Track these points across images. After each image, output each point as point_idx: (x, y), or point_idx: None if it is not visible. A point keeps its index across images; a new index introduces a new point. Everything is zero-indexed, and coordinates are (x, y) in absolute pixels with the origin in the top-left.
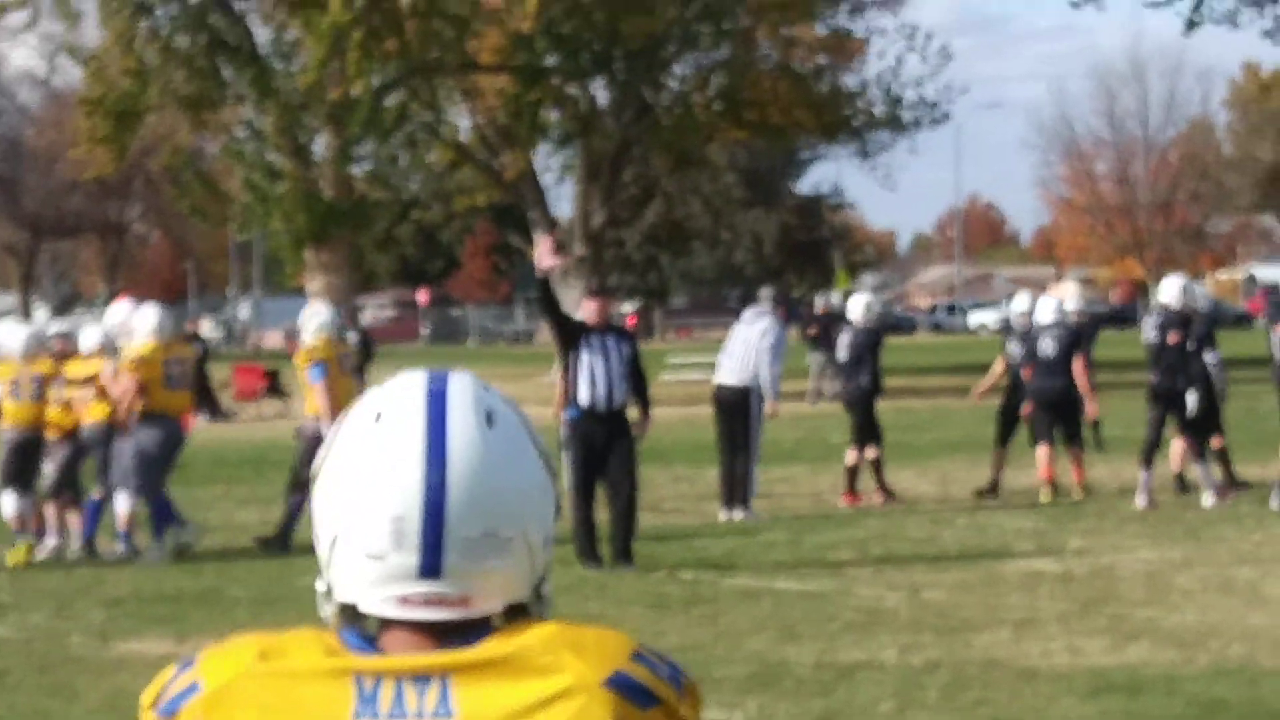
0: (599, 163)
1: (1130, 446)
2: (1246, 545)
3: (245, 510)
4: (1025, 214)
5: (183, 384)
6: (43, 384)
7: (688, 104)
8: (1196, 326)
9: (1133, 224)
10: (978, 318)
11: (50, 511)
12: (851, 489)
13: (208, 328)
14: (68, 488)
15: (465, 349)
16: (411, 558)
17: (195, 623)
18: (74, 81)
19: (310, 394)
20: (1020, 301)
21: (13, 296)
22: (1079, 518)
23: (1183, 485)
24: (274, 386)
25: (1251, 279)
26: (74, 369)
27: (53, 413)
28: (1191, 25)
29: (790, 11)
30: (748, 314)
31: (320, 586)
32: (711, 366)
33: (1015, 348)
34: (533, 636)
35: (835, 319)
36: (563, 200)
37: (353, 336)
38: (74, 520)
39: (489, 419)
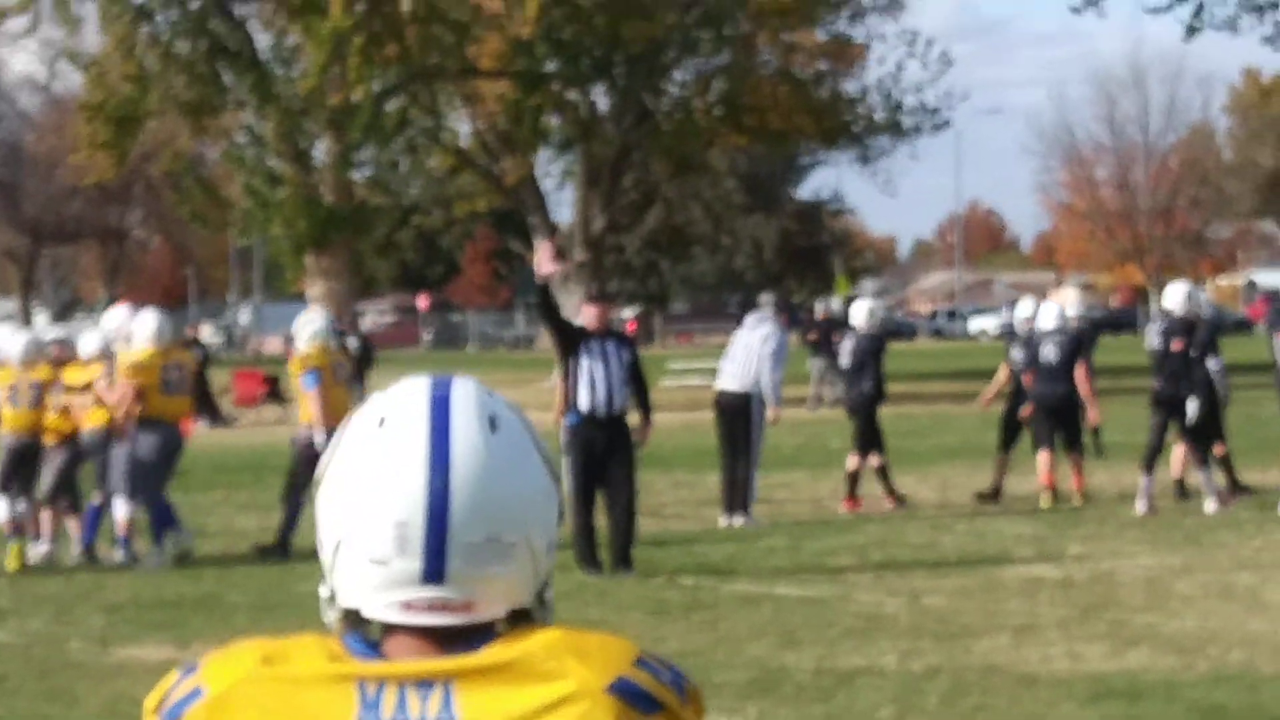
0: (599, 168)
1: (1130, 452)
2: (1246, 551)
3: (245, 516)
4: (1026, 219)
5: (181, 389)
6: (41, 390)
7: (688, 109)
8: (1200, 333)
9: (1133, 229)
10: (978, 323)
11: (45, 517)
12: (852, 494)
13: (208, 333)
14: (65, 493)
15: (465, 354)
16: (415, 563)
17: (195, 628)
18: (74, 87)
19: (303, 402)
20: (1024, 307)
21: (13, 302)
22: (1079, 523)
23: (1183, 491)
24: (274, 392)
25: (1251, 284)
26: (72, 375)
27: (51, 418)
28: (1192, 31)
29: (791, 17)
30: (750, 320)
31: (323, 592)
32: (712, 372)
33: (1019, 353)
34: (536, 642)
35: (835, 325)
36: (563, 205)
37: (353, 342)
38: (72, 526)
39: (492, 424)
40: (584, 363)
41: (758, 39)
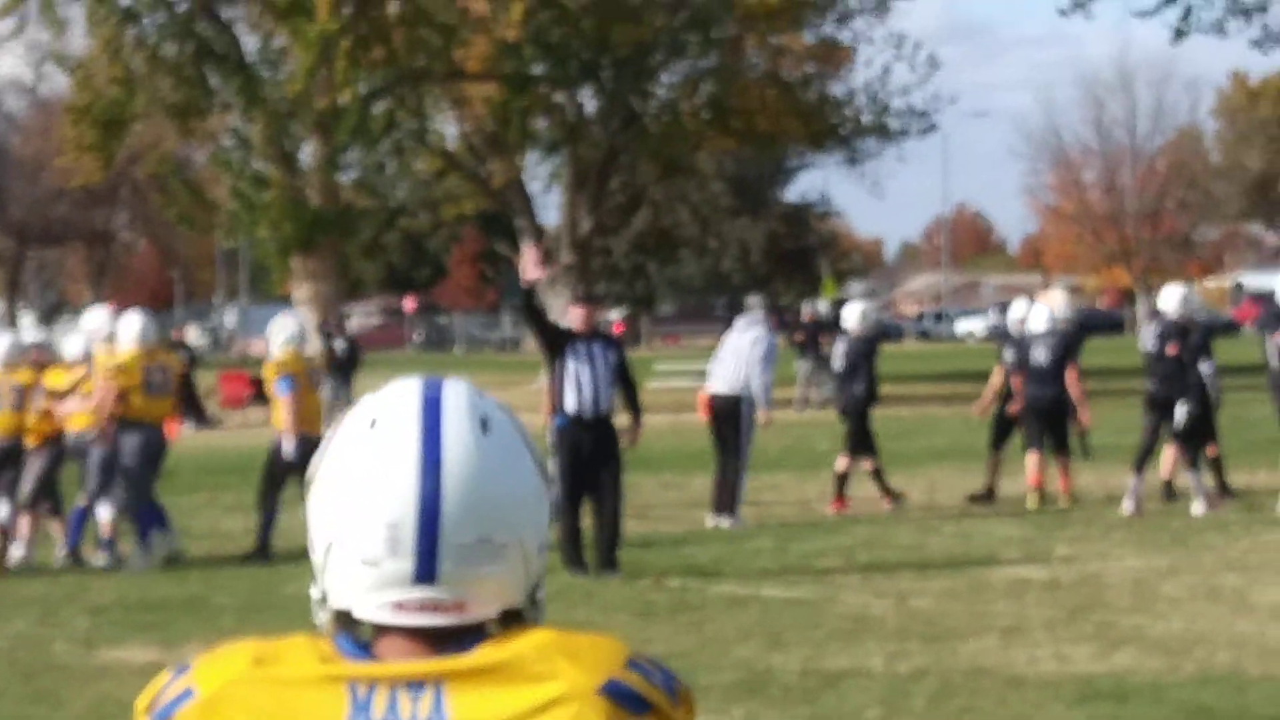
0: (586, 170)
1: (1117, 454)
2: (1233, 553)
3: (231, 518)
4: (1013, 222)
5: (164, 391)
6: (23, 393)
7: (676, 112)
8: (1194, 336)
9: (1120, 232)
10: (965, 325)
11: (24, 522)
12: (840, 495)
13: (194, 335)
14: (46, 497)
15: (452, 356)
16: (406, 564)
17: (181, 630)
18: (61, 89)
19: (276, 407)
20: (1017, 308)
21: None
22: (1066, 525)
23: (1170, 493)
24: (260, 394)
25: (1239, 287)
26: (54, 378)
27: (32, 421)
28: (1179, 34)
29: (778, 20)
30: (739, 323)
31: (315, 593)
32: (699, 374)
33: (1011, 355)
34: (527, 643)
35: (822, 327)
36: (550, 208)
37: (340, 344)
38: (55, 528)
39: (484, 425)
40: (570, 365)
41: (745, 42)
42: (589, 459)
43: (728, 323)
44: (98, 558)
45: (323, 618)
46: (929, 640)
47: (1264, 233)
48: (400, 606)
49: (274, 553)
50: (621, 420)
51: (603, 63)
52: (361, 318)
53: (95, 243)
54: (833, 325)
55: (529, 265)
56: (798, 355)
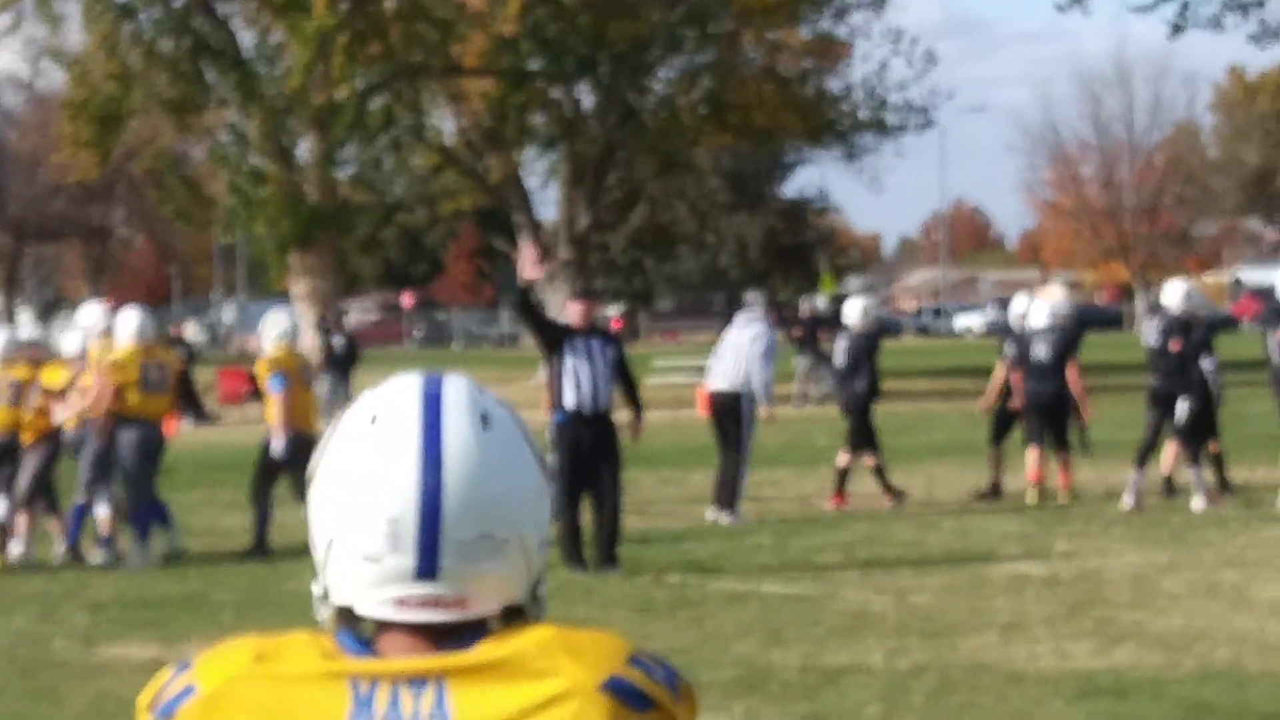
0: (584, 166)
1: (1116, 450)
2: (1232, 549)
3: (230, 514)
4: (1011, 217)
5: (161, 388)
6: (20, 388)
7: (673, 107)
8: (1196, 332)
9: (1118, 227)
10: (963, 321)
11: (21, 519)
12: (840, 491)
13: (192, 331)
14: (42, 494)
15: (450, 352)
16: (408, 560)
17: (180, 627)
18: (57, 85)
19: (269, 404)
20: (1019, 303)
21: None
22: (1065, 521)
23: (1170, 489)
24: (259, 390)
25: (1237, 282)
26: (51, 375)
27: (28, 417)
28: (1177, 29)
29: (775, 15)
30: (739, 319)
31: (316, 589)
32: (697, 370)
33: (1012, 350)
34: (529, 640)
35: (820, 322)
36: (547, 204)
37: (339, 340)
38: (52, 526)
39: (484, 421)
40: (569, 361)
41: (742, 37)
42: (588, 455)
43: (726, 318)
44: (95, 555)
45: (324, 614)
46: (929, 636)
47: (1262, 228)
48: (402, 603)
49: (272, 549)
50: (622, 416)
51: (600, 58)
52: (359, 314)
53: (92, 239)
54: (831, 321)
55: (527, 264)
56: (796, 351)
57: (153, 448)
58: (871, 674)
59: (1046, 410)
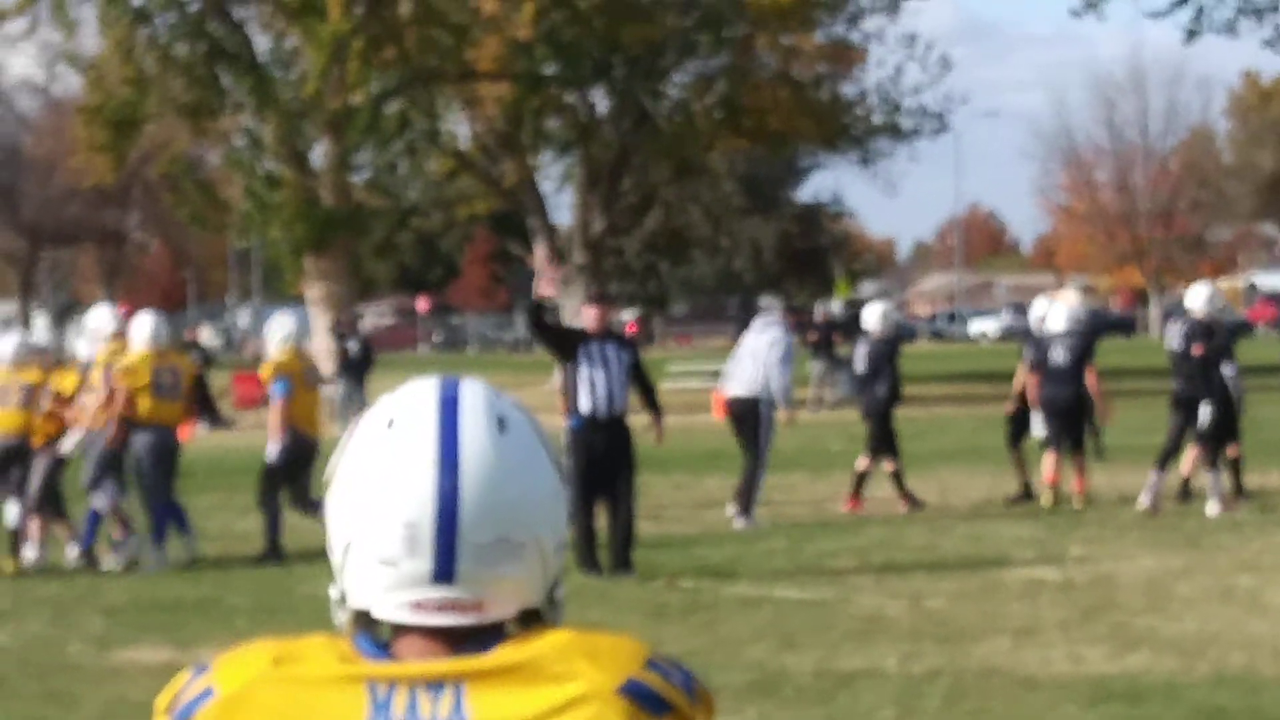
0: (598, 171)
1: (1131, 454)
2: (1247, 553)
3: (244, 519)
4: (1026, 222)
5: (173, 393)
6: (31, 391)
7: (688, 112)
8: (1218, 337)
9: (1133, 232)
10: (978, 326)
11: (34, 524)
12: (856, 494)
13: (207, 336)
14: (50, 501)
15: (465, 356)
16: (425, 563)
17: (194, 631)
18: (73, 89)
19: (273, 407)
20: (1039, 307)
21: (12, 305)
22: (1079, 526)
23: (1186, 493)
24: None
25: (1252, 287)
26: (62, 380)
27: (38, 421)
28: (1191, 34)
29: (789, 20)
30: (757, 324)
31: (333, 593)
32: (712, 375)
33: (1030, 354)
34: (547, 643)
35: (835, 327)
36: (562, 208)
37: (354, 345)
38: (59, 530)
39: (501, 425)
40: (584, 366)
41: (756, 42)
42: (603, 460)
43: (740, 323)
44: (109, 560)
45: (341, 618)
46: (942, 641)
47: (1277, 233)
48: (419, 606)
49: (286, 553)
50: (638, 421)
51: (614, 62)
52: (374, 318)
53: (107, 243)
54: (846, 326)
55: (545, 283)
56: (811, 356)
57: (166, 452)
58: (885, 679)
59: (1063, 414)
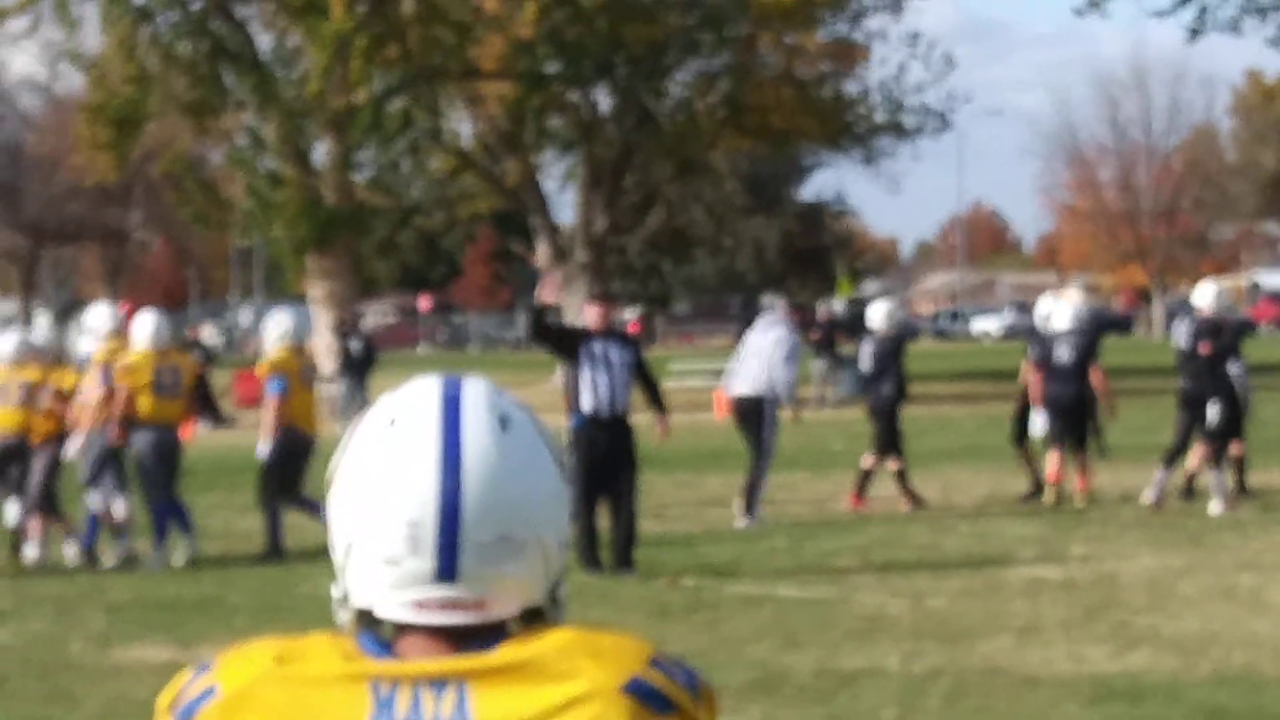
0: (601, 169)
1: (1132, 453)
2: (1249, 552)
3: (245, 517)
4: (1028, 221)
5: (174, 393)
6: (31, 390)
7: (690, 111)
8: (1225, 335)
9: (1136, 231)
10: (981, 325)
11: (35, 522)
12: (860, 492)
13: (209, 334)
14: (47, 499)
15: (467, 355)
16: (427, 562)
17: (195, 630)
18: (75, 88)
19: (267, 405)
20: (1044, 304)
21: (14, 303)
22: (1081, 524)
23: (1190, 490)
24: None
25: (1255, 286)
26: (61, 378)
27: (36, 419)
28: (1195, 33)
29: (792, 19)
30: (761, 322)
31: (336, 592)
32: (714, 373)
33: (1035, 352)
34: (550, 642)
35: (838, 326)
36: (564, 207)
37: (356, 344)
38: (55, 528)
39: (503, 424)
40: (586, 365)
41: (759, 40)
42: (605, 459)
43: (743, 321)
44: (108, 557)
45: (344, 617)
46: (944, 640)
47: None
48: (421, 605)
49: (287, 551)
50: (641, 419)
51: (617, 61)
52: (376, 317)
53: (110, 241)
54: (848, 324)
55: (546, 289)
56: (813, 354)
57: (167, 451)
58: (887, 677)
59: (1067, 412)
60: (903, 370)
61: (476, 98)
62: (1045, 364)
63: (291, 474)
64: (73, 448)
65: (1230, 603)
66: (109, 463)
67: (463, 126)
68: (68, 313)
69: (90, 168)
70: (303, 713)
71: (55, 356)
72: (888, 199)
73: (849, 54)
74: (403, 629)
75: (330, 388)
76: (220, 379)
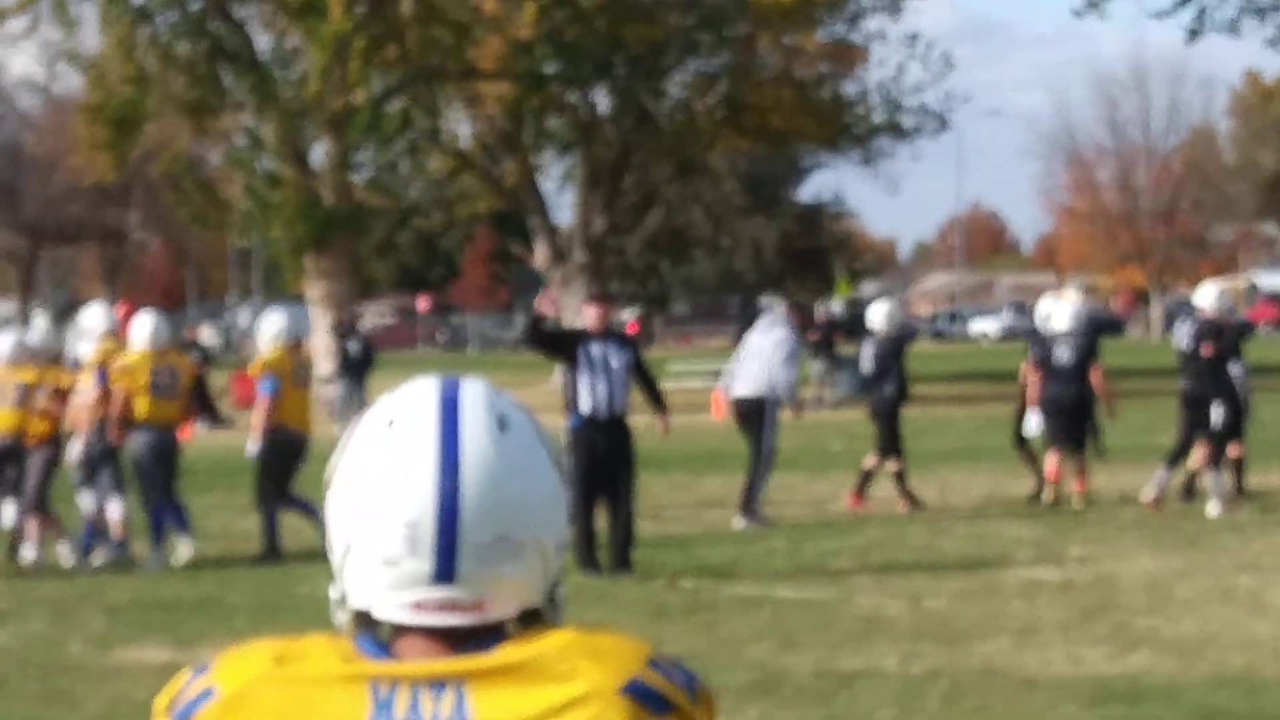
0: (600, 170)
1: (1131, 454)
2: (1247, 554)
3: (244, 518)
4: (1027, 222)
5: (171, 393)
6: (27, 391)
7: (689, 111)
8: (1227, 336)
9: (1135, 232)
10: (979, 326)
11: (32, 524)
12: (861, 492)
13: (207, 335)
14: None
15: (466, 356)
16: (425, 563)
17: (194, 630)
18: (74, 88)
19: (258, 405)
20: (1044, 305)
21: (12, 303)
22: (1080, 526)
23: (1190, 491)
24: None
25: (1253, 287)
26: (58, 379)
27: (32, 420)
28: (1194, 34)
29: (791, 20)
30: (761, 323)
31: (334, 593)
32: (713, 374)
33: (1036, 352)
34: (548, 643)
35: (836, 327)
36: (563, 207)
37: (354, 344)
38: (48, 529)
39: (502, 424)
40: (584, 366)
41: (758, 41)
42: (603, 460)
43: (742, 322)
44: (98, 555)
45: (342, 618)
46: (942, 641)
47: (1278, 232)
48: (419, 606)
49: (285, 552)
50: (639, 420)
51: (616, 61)
52: (374, 317)
53: (108, 241)
54: (847, 325)
55: (545, 302)
56: (812, 355)
57: (165, 452)
58: (885, 679)
59: (1067, 413)
60: (904, 371)
61: (475, 98)
62: (1045, 365)
63: (284, 473)
64: (73, 451)
65: (1229, 604)
66: (106, 464)
67: (461, 127)
68: (66, 313)
69: (89, 168)
70: (302, 713)
71: (52, 357)
72: (886, 200)
73: (848, 55)
74: (401, 630)
75: (328, 389)
76: (218, 379)
